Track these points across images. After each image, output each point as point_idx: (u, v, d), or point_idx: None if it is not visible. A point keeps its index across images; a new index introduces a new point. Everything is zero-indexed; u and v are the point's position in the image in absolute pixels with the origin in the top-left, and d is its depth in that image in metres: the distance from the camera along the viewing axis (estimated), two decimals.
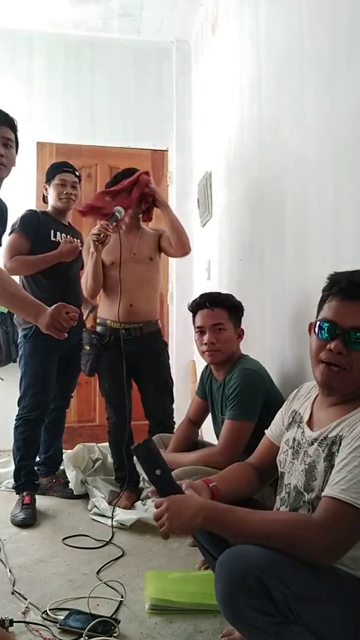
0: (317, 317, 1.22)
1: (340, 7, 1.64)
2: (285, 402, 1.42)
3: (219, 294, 2.14)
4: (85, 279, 2.63)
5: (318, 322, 1.19)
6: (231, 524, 1.10)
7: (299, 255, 1.98)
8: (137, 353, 2.62)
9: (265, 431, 1.44)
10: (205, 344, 2.00)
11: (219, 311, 2.01)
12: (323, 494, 1.09)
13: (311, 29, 1.85)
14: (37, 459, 2.92)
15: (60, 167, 2.83)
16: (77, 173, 2.86)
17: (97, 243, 2.45)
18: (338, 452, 1.12)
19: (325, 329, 1.16)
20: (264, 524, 1.08)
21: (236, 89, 2.75)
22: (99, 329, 2.69)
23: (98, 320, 2.72)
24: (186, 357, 3.84)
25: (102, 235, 2.44)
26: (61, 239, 2.76)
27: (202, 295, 2.10)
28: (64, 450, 3.03)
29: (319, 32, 1.79)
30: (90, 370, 2.66)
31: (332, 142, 1.70)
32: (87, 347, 2.65)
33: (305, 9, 1.90)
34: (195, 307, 2.06)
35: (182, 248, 2.66)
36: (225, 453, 1.84)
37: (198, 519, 1.10)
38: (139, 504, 2.61)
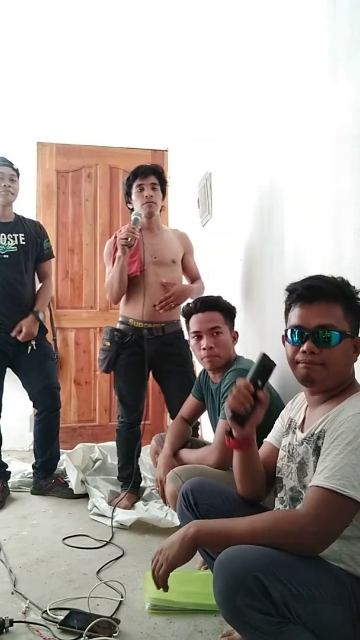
0: (286, 328, 1.32)
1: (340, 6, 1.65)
2: (284, 409, 1.46)
3: (211, 296, 2.09)
4: (111, 284, 2.59)
5: (287, 330, 1.29)
6: (221, 529, 1.14)
7: (299, 255, 1.97)
8: (159, 353, 2.60)
9: (265, 440, 1.45)
10: (204, 349, 1.95)
11: (214, 314, 1.98)
12: (309, 485, 1.12)
13: (310, 27, 1.85)
14: (34, 462, 2.93)
15: None
16: (14, 167, 2.82)
17: (125, 247, 2.46)
18: (322, 445, 1.16)
19: (295, 333, 1.26)
20: (252, 524, 1.11)
21: (235, 88, 2.74)
22: (120, 327, 2.67)
23: (120, 319, 2.70)
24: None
25: (129, 239, 2.45)
26: None
27: (195, 300, 2.08)
28: (63, 450, 3.02)
29: (318, 30, 1.79)
30: (107, 367, 2.63)
31: (332, 141, 1.70)
32: (108, 344, 2.61)
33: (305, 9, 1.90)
34: (189, 311, 2.03)
35: None
36: (216, 453, 1.84)
37: (188, 536, 1.14)
38: (139, 504, 2.61)
